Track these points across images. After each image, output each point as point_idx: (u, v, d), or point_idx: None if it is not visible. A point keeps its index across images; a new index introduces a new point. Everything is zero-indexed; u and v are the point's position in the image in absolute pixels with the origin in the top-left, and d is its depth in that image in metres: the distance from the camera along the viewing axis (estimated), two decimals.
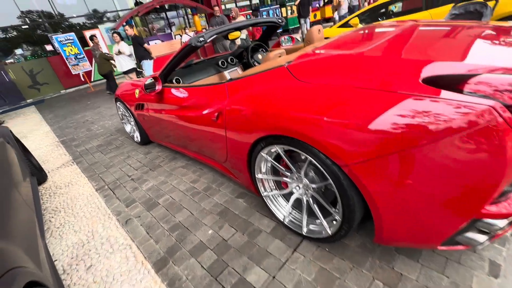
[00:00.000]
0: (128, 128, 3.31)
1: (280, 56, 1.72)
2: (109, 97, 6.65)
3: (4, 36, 9.64)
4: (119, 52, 5.55)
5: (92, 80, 9.33)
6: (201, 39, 1.83)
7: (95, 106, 5.94)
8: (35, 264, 1.04)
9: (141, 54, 5.48)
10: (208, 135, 1.72)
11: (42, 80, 8.85)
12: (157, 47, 9.86)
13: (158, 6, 9.14)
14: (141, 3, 10.73)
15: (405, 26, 1.46)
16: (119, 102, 3.05)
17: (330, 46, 1.39)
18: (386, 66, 0.97)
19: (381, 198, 0.92)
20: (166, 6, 10.17)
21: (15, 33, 9.76)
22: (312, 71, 1.15)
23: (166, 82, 2.20)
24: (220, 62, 2.61)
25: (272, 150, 1.29)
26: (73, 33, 8.13)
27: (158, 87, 2.09)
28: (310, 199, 1.30)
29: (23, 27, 9.57)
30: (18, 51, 10.02)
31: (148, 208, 1.95)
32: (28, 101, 8.63)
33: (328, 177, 1.06)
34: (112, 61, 6.33)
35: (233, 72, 2.67)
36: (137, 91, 2.57)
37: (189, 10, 11.81)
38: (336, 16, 7.63)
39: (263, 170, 1.46)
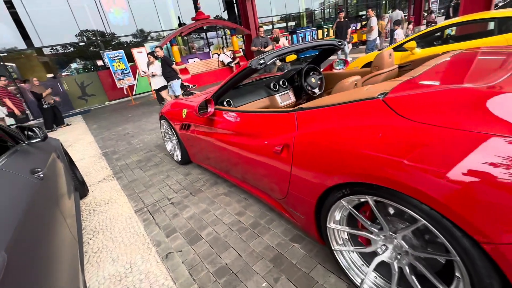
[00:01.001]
0: (169, 146, 3.26)
1: (356, 84, 1.52)
2: (148, 110, 6.89)
3: (63, 51, 10.71)
4: (152, 74, 5.94)
5: (133, 93, 9.87)
6: (262, 61, 1.71)
7: (135, 119, 6.15)
8: None
9: (169, 74, 5.76)
10: (266, 167, 1.53)
11: (90, 92, 9.55)
12: (195, 65, 10.29)
13: (200, 27, 9.59)
14: (184, 24, 11.38)
15: None
16: (163, 120, 3.02)
17: (431, 75, 1.15)
18: None
19: None
20: (205, 27, 10.67)
21: (72, 48, 10.81)
22: (423, 107, 0.92)
23: (217, 104, 2.10)
24: (272, 85, 2.47)
25: (362, 200, 1.05)
26: (122, 50, 8.75)
27: (211, 109, 1.98)
28: (407, 268, 1.01)
29: (80, 44, 10.56)
30: (73, 65, 11.03)
31: (190, 242, 1.76)
32: (76, 110, 9.31)
33: (453, 251, 0.79)
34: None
35: (283, 96, 2.51)
36: (184, 111, 2.49)
37: (227, 31, 12.31)
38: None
39: (337, 218, 1.21)
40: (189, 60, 10.72)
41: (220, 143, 1.96)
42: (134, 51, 8.74)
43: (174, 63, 5.79)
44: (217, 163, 2.26)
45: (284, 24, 14.87)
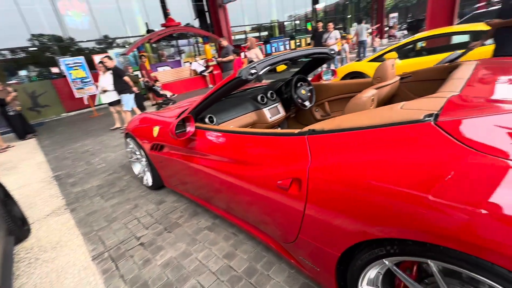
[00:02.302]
0: (137, 168, 2.79)
1: (373, 100, 1.27)
2: (113, 123, 6.22)
3: (12, 57, 9.48)
4: (103, 90, 5.15)
5: (95, 104, 8.98)
6: (253, 71, 1.43)
7: (97, 133, 5.46)
8: None
9: (121, 86, 4.97)
10: (266, 203, 1.22)
11: (44, 102, 8.47)
12: (165, 73, 9.73)
13: (170, 34, 9.13)
14: (153, 30, 10.81)
15: None
16: (130, 138, 2.56)
17: (477, 91, 0.94)
18: None
19: None
20: (176, 34, 10.22)
21: (23, 54, 9.62)
22: (499, 136, 0.67)
23: (197, 120, 1.76)
24: (259, 97, 2.18)
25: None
26: (82, 57, 7.94)
27: (190, 129, 1.62)
28: None
29: (31, 49, 9.44)
30: (22, 72, 9.80)
31: None
32: None
33: None
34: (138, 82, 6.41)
35: (272, 109, 2.24)
36: (156, 128, 2.09)
37: (200, 39, 11.95)
38: (343, 51, 7.62)
39: (371, 277, 0.92)
40: (158, 68, 10.13)
41: (203, 168, 1.63)
42: (97, 58, 7.98)
43: (127, 74, 5.07)
44: (197, 190, 1.91)
45: (257, 34, 14.94)
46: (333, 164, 0.92)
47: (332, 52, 2.08)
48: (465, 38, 3.72)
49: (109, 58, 4.98)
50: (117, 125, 5.54)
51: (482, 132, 0.71)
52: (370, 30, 10.76)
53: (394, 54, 3.80)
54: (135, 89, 5.15)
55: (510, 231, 0.56)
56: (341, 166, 0.90)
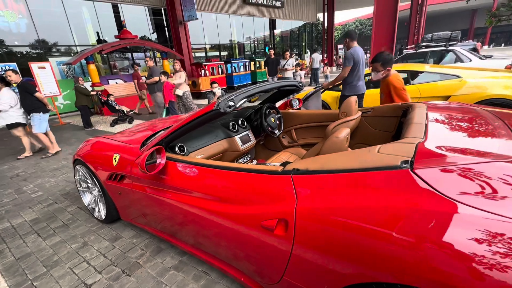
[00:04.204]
0: (87, 198, 2.47)
1: (348, 138, 1.37)
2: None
3: None
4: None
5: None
6: (231, 103, 1.44)
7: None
8: None
9: (31, 105, 4.16)
10: (250, 242, 1.20)
11: None
12: (117, 87, 9.08)
13: (124, 47, 8.67)
14: (105, 41, 10.15)
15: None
16: (80, 165, 2.28)
17: (441, 137, 1.09)
18: None
19: None
20: (129, 47, 9.77)
21: None
22: (475, 186, 0.78)
23: (167, 149, 1.69)
24: (231, 125, 2.17)
25: None
26: (14, 64, 6.95)
27: (161, 161, 1.52)
28: None
29: None
30: None
31: None
32: None
33: None
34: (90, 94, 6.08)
35: (243, 137, 2.26)
36: (116, 156, 1.90)
37: (157, 54, 11.60)
38: (298, 77, 8.18)
39: None
40: (109, 80, 9.42)
41: (171, 201, 1.54)
42: (34, 66, 7.06)
43: (37, 90, 4.21)
44: (162, 223, 1.77)
45: (217, 53, 15.15)
46: (321, 205, 0.95)
47: (301, 84, 2.22)
48: (404, 75, 4.34)
49: (14, 72, 4.15)
50: (27, 153, 4.51)
51: (451, 181, 0.81)
52: (320, 58, 11.86)
53: None
54: (50, 107, 4.37)
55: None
56: (328, 208, 0.93)
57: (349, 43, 3.50)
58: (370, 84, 4.86)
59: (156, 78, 5.76)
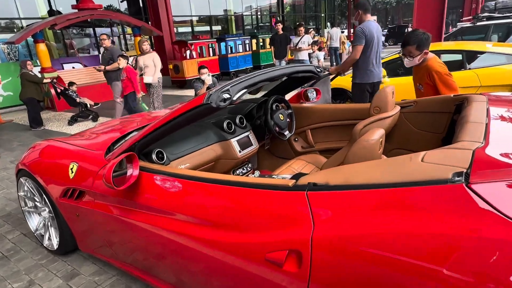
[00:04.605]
0: (34, 221, 2.51)
1: (382, 142, 1.38)
2: None
3: None
4: None
5: None
6: (226, 96, 1.46)
7: None
8: None
9: None
10: (251, 280, 1.21)
11: None
12: (75, 73, 9.19)
13: (86, 20, 8.80)
14: (59, 12, 10.30)
15: None
16: (25, 178, 2.32)
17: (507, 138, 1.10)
18: None
19: None
20: (91, 20, 9.89)
21: None
22: None
23: (141, 157, 1.72)
24: (225, 124, 2.19)
25: None
26: None
27: (133, 172, 1.54)
28: None
29: None
30: None
31: None
32: None
33: None
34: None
35: (242, 140, 2.29)
36: (73, 166, 1.94)
37: (128, 29, 11.74)
38: (315, 59, 8.22)
39: None
40: (65, 65, 9.56)
41: (146, 226, 1.55)
42: None
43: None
44: (133, 256, 1.81)
45: (207, 28, 15.27)
46: (346, 232, 0.96)
47: (319, 70, 2.24)
48: (457, 57, 4.36)
49: None
50: None
51: None
52: (346, 34, 11.91)
53: (383, 71, 4.23)
54: None
55: None
56: (356, 235, 0.94)
57: (361, 15, 3.53)
58: (398, 71, 4.88)
59: (116, 64, 5.78)
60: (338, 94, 5.06)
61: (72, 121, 6.70)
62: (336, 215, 1.00)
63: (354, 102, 4.03)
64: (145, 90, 5.96)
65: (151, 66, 5.77)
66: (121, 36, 12.65)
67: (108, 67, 6.00)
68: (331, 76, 3.47)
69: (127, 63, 5.57)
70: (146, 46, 5.86)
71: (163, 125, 1.55)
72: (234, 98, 1.48)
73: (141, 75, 5.94)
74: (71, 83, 7.18)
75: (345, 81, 4.71)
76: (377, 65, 3.59)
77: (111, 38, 6.16)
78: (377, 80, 3.64)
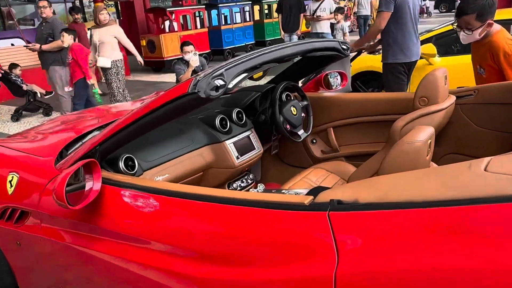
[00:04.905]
0: None
1: (430, 144, 1.40)
2: None
3: None
4: None
5: None
6: (219, 82, 1.47)
7: None
8: None
9: None
10: None
11: None
12: (13, 52, 9.26)
13: None
14: None
15: None
16: None
17: None
18: None
19: None
20: None
21: None
22: None
23: (103, 165, 1.76)
24: (217, 121, 2.21)
25: None
26: None
27: (94, 186, 1.56)
28: None
29: None
30: None
31: None
32: None
33: None
34: None
35: (241, 142, 2.32)
36: (12, 178, 1.99)
37: None
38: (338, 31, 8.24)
39: None
40: (1, 41, 9.64)
41: (116, 261, 1.58)
42: None
43: None
44: None
45: None
46: (383, 267, 0.97)
47: (345, 46, 2.26)
48: None
49: None
50: None
51: None
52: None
53: (430, 47, 4.25)
54: None
55: None
56: (398, 270, 0.95)
57: None
58: (453, 47, 4.89)
59: (59, 42, 5.73)
60: (370, 80, 5.08)
61: (16, 116, 6.75)
62: (369, 244, 1.01)
63: (387, 90, 4.06)
64: (99, 76, 5.94)
65: (109, 44, 5.79)
66: (77, 1, 12.73)
67: (45, 47, 5.92)
68: (352, 55, 3.49)
69: (73, 39, 5.56)
70: (105, 15, 5.87)
71: (133, 123, 1.57)
72: (230, 86, 1.51)
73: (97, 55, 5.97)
74: (13, 65, 7.22)
75: (378, 61, 4.74)
76: (414, 38, 3.62)
77: (50, 5, 6.04)
78: (415, 59, 3.68)
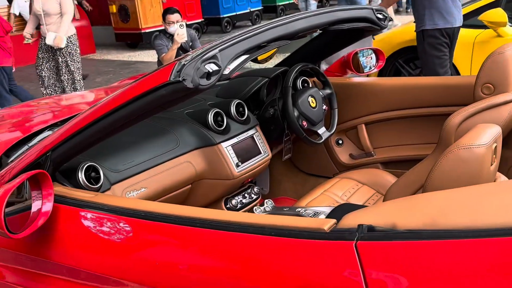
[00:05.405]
0: None
1: (495, 149, 1.40)
2: None
3: None
4: None
5: None
6: (211, 67, 1.48)
7: None
8: None
9: None
10: None
11: None
12: None
13: None
14: None
15: None
16: None
17: None
18: None
19: None
20: None
21: None
22: None
23: (56, 177, 1.78)
24: (210, 116, 2.21)
25: None
26: None
27: (43, 205, 1.56)
28: None
29: None
30: None
31: None
32: None
33: None
34: None
35: (241, 144, 2.35)
36: None
37: None
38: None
39: None
40: None
41: None
42: None
43: None
44: None
45: None
46: None
47: (381, 16, 2.26)
48: None
49: None
50: None
51: None
52: None
53: (498, 12, 4.22)
54: None
55: None
56: None
57: None
58: None
59: None
60: (417, 58, 5.09)
61: None
62: (411, 284, 1.01)
63: (424, 68, 4.05)
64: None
65: (56, 15, 5.83)
66: None
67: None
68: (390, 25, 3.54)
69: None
70: None
71: (98, 121, 1.58)
72: (226, 72, 1.52)
73: (37, 28, 6.02)
74: None
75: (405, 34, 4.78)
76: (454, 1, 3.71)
77: None
78: (458, 25, 3.76)
